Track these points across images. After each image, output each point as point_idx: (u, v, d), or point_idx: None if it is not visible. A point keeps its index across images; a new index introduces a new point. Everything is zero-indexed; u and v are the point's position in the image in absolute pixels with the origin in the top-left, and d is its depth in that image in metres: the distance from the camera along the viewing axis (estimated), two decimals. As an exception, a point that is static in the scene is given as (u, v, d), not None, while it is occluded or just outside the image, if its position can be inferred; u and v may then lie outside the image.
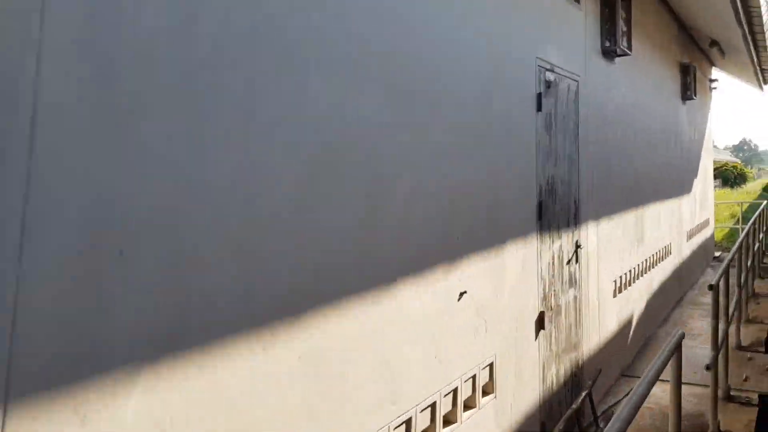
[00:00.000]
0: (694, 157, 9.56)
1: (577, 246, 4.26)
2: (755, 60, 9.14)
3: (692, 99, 8.65)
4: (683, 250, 8.39)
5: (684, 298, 8.24)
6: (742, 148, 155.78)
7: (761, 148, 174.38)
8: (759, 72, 10.42)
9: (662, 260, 7.06)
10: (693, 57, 9.17)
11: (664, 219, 7.18)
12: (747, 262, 7.67)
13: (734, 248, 6.33)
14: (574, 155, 4.28)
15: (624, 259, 5.50)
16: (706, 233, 10.68)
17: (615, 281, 5.24)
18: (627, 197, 5.67)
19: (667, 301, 7.28)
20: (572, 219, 4.20)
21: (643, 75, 6.29)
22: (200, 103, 1.52)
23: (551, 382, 3.72)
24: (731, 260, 5.49)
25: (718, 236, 19.11)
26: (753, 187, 49.04)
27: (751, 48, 8.31)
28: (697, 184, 9.82)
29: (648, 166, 6.52)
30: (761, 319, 7.25)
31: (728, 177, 43.73)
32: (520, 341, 3.31)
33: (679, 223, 8.16)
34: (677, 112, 8.14)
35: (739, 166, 48.14)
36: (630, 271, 5.71)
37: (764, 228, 11.56)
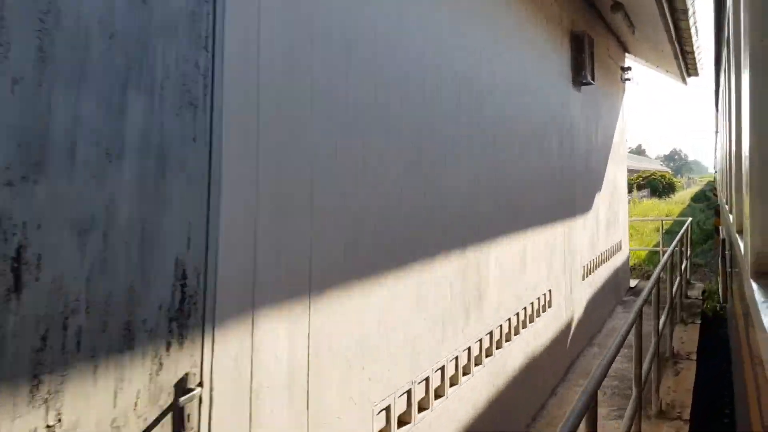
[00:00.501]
0: (597, 164, 7.20)
1: (184, 392, 1.59)
2: (674, 35, 6.85)
3: (590, 84, 6.27)
4: (576, 295, 5.95)
5: (573, 366, 5.78)
6: (673, 158, 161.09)
7: (691, 158, 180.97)
8: (680, 55, 8.20)
9: (530, 324, 4.55)
10: (595, 32, 6.81)
11: (536, 257, 4.69)
12: (662, 312, 5.33)
13: (646, 290, 3.99)
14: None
15: (422, 355, 2.90)
16: (616, 261, 8.37)
17: (388, 407, 2.62)
18: (440, 233, 3.09)
19: (541, 383, 4.77)
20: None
21: (485, 22, 3.76)
22: None
23: None
24: (633, 322, 3.04)
25: (641, 255, 17.18)
26: (682, 197, 48.43)
27: (667, 14, 5.98)
28: (603, 201, 7.48)
29: (502, 174, 4.00)
30: (680, 408, 4.83)
31: (657, 186, 43.04)
32: None
33: (568, 258, 5.72)
34: (565, 99, 5.71)
35: (667, 176, 47.58)
36: (443, 368, 3.12)
37: (688, 253, 9.43)
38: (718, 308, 8.23)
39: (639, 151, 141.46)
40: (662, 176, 45.80)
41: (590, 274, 6.68)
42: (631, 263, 13.35)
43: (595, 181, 7.10)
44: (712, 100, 20.10)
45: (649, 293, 4.25)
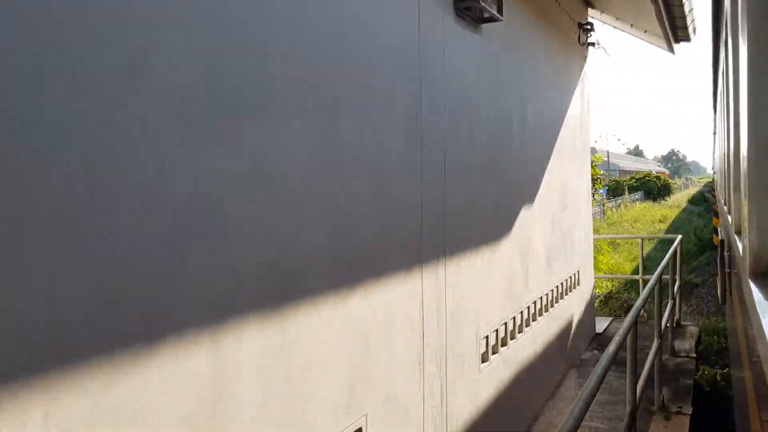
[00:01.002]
0: (528, 161, 4.51)
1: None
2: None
3: (494, 20, 3.58)
4: (461, 400, 3.23)
5: None
6: (671, 159, 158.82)
7: (689, 159, 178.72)
8: (663, 10, 5.55)
9: None
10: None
11: (307, 366, 1.98)
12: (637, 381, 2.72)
13: (594, 377, 1.79)
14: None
15: None
16: (569, 305, 5.67)
17: None
18: None
19: None
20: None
21: None
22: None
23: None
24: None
25: (627, 270, 14.45)
26: (678, 200, 46.07)
27: None
28: (541, 218, 4.79)
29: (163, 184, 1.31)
30: None
31: (651, 189, 40.75)
32: None
33: (439, 337, 3.01)
34: (426, 37, 3.01)
35: (663, 177, 44.97)
36: None
37: (676, 287, 6.63)
38: (718, 377, 5.52)
39: (636, 152, 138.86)
40: (657, 177, 42.93)
41: (505, 345, 3.98)
42: (606, 290, 10.62)
43: (522, 187, 4.41)
44: (710, 101, 18.11)
45: (600, 381, 2.11)
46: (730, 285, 4.48)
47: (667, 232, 23.72)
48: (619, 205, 31.35)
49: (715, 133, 20.49)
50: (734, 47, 2.94)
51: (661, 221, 28.06)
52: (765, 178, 1.92)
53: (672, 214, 30.89)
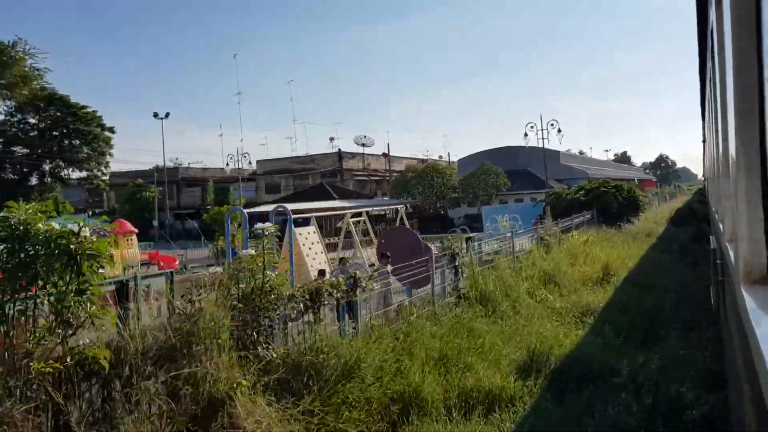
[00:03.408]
0: None
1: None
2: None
3: None
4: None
5: None
6: (660, 165, 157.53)
7: (679, 165, 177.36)
8: None
9: None
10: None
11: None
12: None
13: None
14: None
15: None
16: None
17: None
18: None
19: None
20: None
21: None
22: None
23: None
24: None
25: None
26: (655, 217, 31.78)
27: None
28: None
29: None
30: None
31: (609, 205, 25.95)
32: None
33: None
34: None
35: (627, 187, 29.00)
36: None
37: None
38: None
39: (624, 159, 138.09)
40: (616, 187, 27.86)
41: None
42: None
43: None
44: (698, 109, 18.07)
45: None
46: (724, 293, 4.54)
47: (597, 328, 9.66)
48: (540, 240, 16.57)
49: (704, 141, 19.91)
50: (720, 56, 2.99)
51: (603, 279, 13.95)
52: (755, 187, 1.96)
53: (634, 254, 17.50)
